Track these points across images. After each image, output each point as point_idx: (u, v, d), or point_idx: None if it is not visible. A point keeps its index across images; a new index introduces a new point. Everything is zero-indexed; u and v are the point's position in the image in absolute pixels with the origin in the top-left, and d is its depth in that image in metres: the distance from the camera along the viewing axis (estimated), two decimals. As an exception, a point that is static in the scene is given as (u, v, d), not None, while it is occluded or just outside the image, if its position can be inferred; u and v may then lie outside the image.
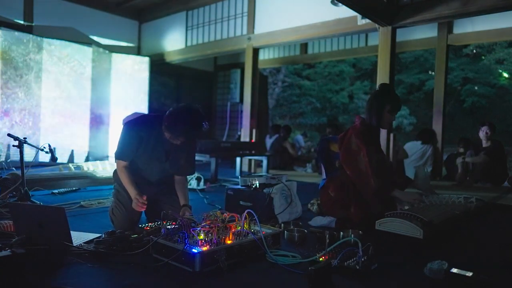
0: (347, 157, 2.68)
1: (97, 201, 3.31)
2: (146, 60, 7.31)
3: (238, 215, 1.95)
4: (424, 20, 4.52)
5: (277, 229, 2.15)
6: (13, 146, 2.90)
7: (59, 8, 6.97)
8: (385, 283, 1.68)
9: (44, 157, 3.37)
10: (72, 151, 6.11)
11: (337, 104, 17.37)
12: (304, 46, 8.54)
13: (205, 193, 4.10)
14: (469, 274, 1.59)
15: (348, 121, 16.84)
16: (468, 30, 6.20)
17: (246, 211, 1.93)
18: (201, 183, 4.40)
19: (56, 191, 3.69)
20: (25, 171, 2.87)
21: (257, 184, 2.92)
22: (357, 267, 1.69)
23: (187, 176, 2.66)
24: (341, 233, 2.21)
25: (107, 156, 6.57)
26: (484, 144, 5.35)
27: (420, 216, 2.22)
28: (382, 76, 4.73)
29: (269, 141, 7.62)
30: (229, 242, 1.81)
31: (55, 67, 5.98)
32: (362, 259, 1.71)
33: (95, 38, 7.47)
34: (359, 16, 4.87)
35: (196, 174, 4.32)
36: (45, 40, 5.91)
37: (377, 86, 4.74)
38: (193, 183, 4.31)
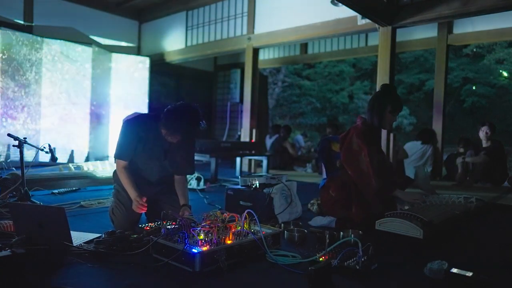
0: (348, 157, 2.68)
1: (97, 201, 3.31)
2: (146, 60, 7.31)
3: (238, 215, 1.95)
4: (424, 20, 4.52)
5: (277, 229, 2.15)
6: (13, 146, 2.90)
7: (59, 8, 6.97)
8: (385, 283, 1.68)
9: (44, 157, 3.37)
10: (72, 151, 6.11)
11: (337, 104, 17.37)
12: (304, 46, 8.54)
13: (205, 193, 4.10)
14: (469, 274, 1.59)
15: (348, 121, 16.84)
16: (468, 30, 6.20)
17: (246, 211, 1.93)
18: (201, 183, 4.40)
19: (56, 191, 3.69)
20: (25, 171, 2.87)
21: (257, 184, 2.92)
22: (357, 267, 1.69)
23: (187, 176, 2.66)
24: (341, 233, 2.21)
25: (107, 156, 6.57)
26: (484, 144, 5.35)
27: (420, 216, 2.22)
28: (382, 76, 4.73)
29: (269, 141, 7.62)
30: (229, 242, 1.81)
31: (55, 67, 5.98)
32: (362, 259, 1.71)
33: (95, 38, 7.47)
34: (359, 16, 4.87)
35: (196, 174, 4.33)
36: (45, 40, 5.91)
37: (377, 86, 4.78)
38: (193, 183, 4.31)
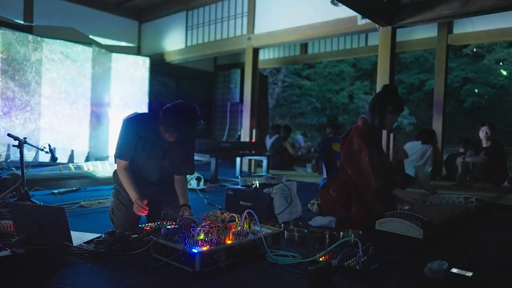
0: (348, 157, 2.68)
1: (97, 201, 3.31)
2: (146, 60, 7.31)
3: (238, 215, 1.95)
4: (424, 20, 4.52)
5: (277, 229, 2.15)
6: (13, 146, 2.90)
7: (59, 8, 6.97)
8: (385, 283, 1.68)
9: (44, 157, 3.37)
10: (72, 151, 6.11)
11: (337, 104, 17.37)
12: (304, 46, 8.54)
13: (205, 193, 4.10)
14: (469, 274, 1.59)
15: (348, 121, 16.84)
16: (468, 30, 6.20)
17: (246, 211, 1.93)
18: (201, 183, 4.40)
19: (56, 191, 3.69)
20: (25, 171, 2.87)
21: (257, 184, 2.92)
22: (357, 267, 1.69)
23: (187, 176, 2.65)
24: (341, 233, 2.21)
25: (107, 156, 6.57)
26: (484, 144, 5.34)
27: (420, 216, 2.22)
28: (382, 76, 4.73)
29: (269, 141, 7.62)
30: (229, 242, 1.81)
31: (55, 67, 5.98)
32: (362, 259, 1.71)
33: (95, 38, 7.47)
34: (359, 16, 4.87)
35: (196, 174, 4.33)
36: (45, 40, 5.91)
37: (377, 86, 4.79)
38: (193, 183, 4.31)
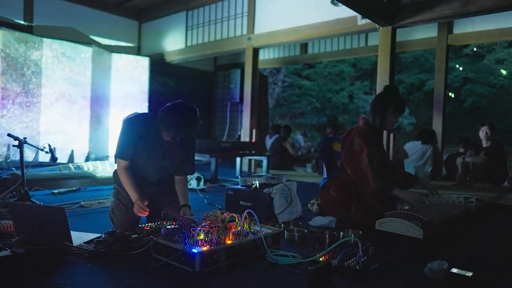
0: (349, 157, 2.68)
1: (97, 201, 3.31)
2: (146, 60, 7.31)
3: (238, 215, 1.95)
4: (424, 20, 4.52)
5: (277, 229, 2.15)
6: (13, 146, 2.90)
7: (59, 8, 6.97)
8: (385, 283, 1.68)
9: (44, 157, 3.37)
10: (72, 151, 6.11)
11: (337, 104, 17.38)
12: (304, 46, 8.54)
13: (205, 193, 4.10)
14: (469, 274, 1.59)
15: (348, 121, 16.85)
16: (468, 30, 6.20)
17: (246, 211, 1.93)
18: (201, 183, 4.40)
19: (56, 191, 3.69)
20: (25, 171, 2.87)
21: (257, 184, 2.92)
22: (357, 267, 1.68)
23: (187, 176, 2.65)
24: (341, 233, 2.21)
25: (107, 156, 6.58)
26: (484, 144, 5.34)
27: (420, 216, 2.22)
28: (382, 76, 4.73)
29: (269, 141, 7.62)
30: (229, 242, 1.81)
31: (55, 67, 5.98)
32: (362, 259, 1.71)
33: (95, 38, 7.47)
34: (359, 16, 4.87)
35: (196, 174, 4.33)
36: (45, 40, 5.91)
37: (377, 86, 4.79)
38: (193, 183, 4.31)
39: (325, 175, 3.07)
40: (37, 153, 3.14)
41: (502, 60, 15.86)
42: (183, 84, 9.36)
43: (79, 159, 6.08)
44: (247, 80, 6.47)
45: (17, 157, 3.07)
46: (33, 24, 6.59)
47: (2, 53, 5.40)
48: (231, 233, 1.86)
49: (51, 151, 3.03)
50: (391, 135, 4.76)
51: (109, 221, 2.47)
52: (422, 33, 6.77)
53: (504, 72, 16.22)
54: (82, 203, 3.19)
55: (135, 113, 2.57)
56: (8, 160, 5.08)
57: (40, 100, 5.86)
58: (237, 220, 1.93)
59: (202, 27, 7.32)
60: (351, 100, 17.57)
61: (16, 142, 2.85)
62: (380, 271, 1.76)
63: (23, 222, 1.86)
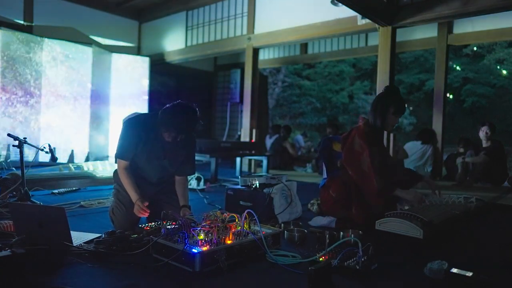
0: (350, 157, 2.68)
1: (97, 201, 3.31)
2: (146, 60, 7.31)
3: (238, 215, 1.95)
4: (424, 20, 4.52)
5: (277, 229, 2.15)
6: (13, 146, 2.90)
7: (59, 8, 6.97)
8: (385, 283, 1.68)
9: (44, 157, 3.37)
10: (72, 151, 6.11)
11: (337, 104, 17.38)
12: (304, 46, 8.54)
13: (205, 193, 4.10)
14: (469, 274, 1.59)
15: (348, 121, 16.85)
16: (468, 30, 6.20)
17: (246, 211, 1.93)
18: (201, 183, 4.40)
19: (56, 191, 3.69)
20: (25, 171, 2.87)
21: (257, 184, 2.92)
22: (357, 267, 1.69)
23: (188, 176, 2.65)
24: (341, 233, 2.21)
25: (107, 156, 6.57)
26: (484, 144, 5.34)
27: (420, 216, 2.22)
28: (382, 76, 4.73)
29: (269, 141, 7.62)
30: (229, 242, 1.81)
31: (55, 67, 5.98)
32: (362, 259, 1.71)
33: (95, 38, 7.47)
34: (359, 16, 4.87)
35: (196, 174, 4.32)
36: (45, 40, 5.90)
37: (377, 86, 4.79)
38: (193, 183, 4.31)
39: (325, 175, 3.07)
40: (37, 153, 3.14)
41: (502, 60, 15.86)
42: (183, 84, 9.35)
43: (79, 159, 6.08)
44: (247, 80, 6.47)
45: (17, 157, 3.07)
46: (33, 24, 6.59)
47: (2, 53, 5.40)
48: (231, 233, 1.86)
49: (51, 151, 3.03)
50: (391, 135, 4.76)
51: (109, 221, 2.47)
52: (422, 33, 6.77)
53: (504, 72, 16.22)
54: (82, 203, 3.19)
55: (135, 113, 2.57)
56: (8, 160, 5.08)
57: (40, 100, 5.86)
58: (237, 220, 1.93)
59: (202, 27, 7.32)
60: (351, 100, 17.57)
61: (16, 142, 2.85)
62: (380, 271, 1.76)
63: (23, 222, 1.86)
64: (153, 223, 2.12)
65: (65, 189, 3.78)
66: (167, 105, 2.26)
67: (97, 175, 4.14)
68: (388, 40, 4.67)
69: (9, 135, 2.91)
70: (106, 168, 4.67)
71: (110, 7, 7.70)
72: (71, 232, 1.84)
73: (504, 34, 6.03)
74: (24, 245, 1.70)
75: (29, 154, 5.08)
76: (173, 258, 1.71)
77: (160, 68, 8.15)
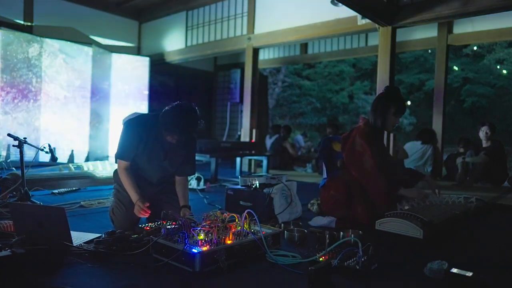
0: (351, 157, 2.67)
1: (97, 201, 3.31)
2: (146, 60, 7.31)
3: (238, 215, 1.95)
4: (424, 20, 4.52)
5: (277, 229, 2.15)
6: (13, 146, 2.90)
7: (59, 8, 6.97)
8: (385, 283, 1.68)
9: (44, 157, 3.37)
10: (72, 151, 6.11)
11: (337, 104, 17.38)
12: (304, 46, 8.54)
13: (205, 193, 4.10)
14: (469, 274, 1.59)
15: (348, 121, 16.85)
16: (468, 30, 6.20)
17: (246, 211, 1.93)
18: (201, 183, 4.40)
19: (56, 191, 3.69)
20: (25, 171, 2.87)
21: (257, 184, 2.92)
22: (357, 267, 1.69)
23: (188, 176, 2.65)
24: (341, 233, 2.21)
25: (107, 156, 6.57)
26: (484, 144, 5.35)
27: (420, 216, 2.22)
28: (382, 76, 4.73)
29: (269, 141, 7.62)
30: (229, 242, 1.81)
31: (55, 67, 5.98)
32: (362, 259, 1.71)
33: (95, 38, 7.47)
34: (359, 16, 4.87)
35: (196, 174, 4.32)
36: (45, 40, 5.91)
37: (377, 86, 4.79)
38: (193, 183, 4.31)
39: (325, 175, 3.07)
40: (37, 153, 3.14)
41: (502, 60, 15.85)
42: (183, 84, 9.35)
43: (79, 159, 6.08)
44: (247, 80, 6.47)
45: (17, 157, 3.07)
46: (33, 24, 6.59)
47: (2, 53, 5.40)
48: (231, 233, 1.86)
49: (51, 151, 3.03)
50: (391, 135, 4.76)
51: (109, 221, 2.47)
52: (422, 33, 6.77)
53: (504, 72, 16.22)
54: (82, 203, 3.19)
55: (135, 113, 2.57)
56: (8, 160, 5.08)
57: (40, 100, 5.86)
58: (237, 220, 1.93)
59: (202, 27, 7.32)
60: (351, 100, 17.57)
61: (16, 142, 2.85)
62: (380, 271, 1.76)
63: (23, 222, 1.86)
64: (153, 223, 2.12)
65: (65, 189, 3.78)
66: (167, 108, 2.25)
67: (97, 175, 4.14)
68: (388, 40, 4.67)
69: (9, 135, 2.91)
70: (106, 168, 4.67)
71: (110, 7, 7.70)
72: (71, 232, 1.84)
73: (504, 34, 6.03)
74: (24, 245, 1.70)
75: (29, 154, 5.07)
76: (173, 258, 1.71)
77: (160, 68, 8.15)
